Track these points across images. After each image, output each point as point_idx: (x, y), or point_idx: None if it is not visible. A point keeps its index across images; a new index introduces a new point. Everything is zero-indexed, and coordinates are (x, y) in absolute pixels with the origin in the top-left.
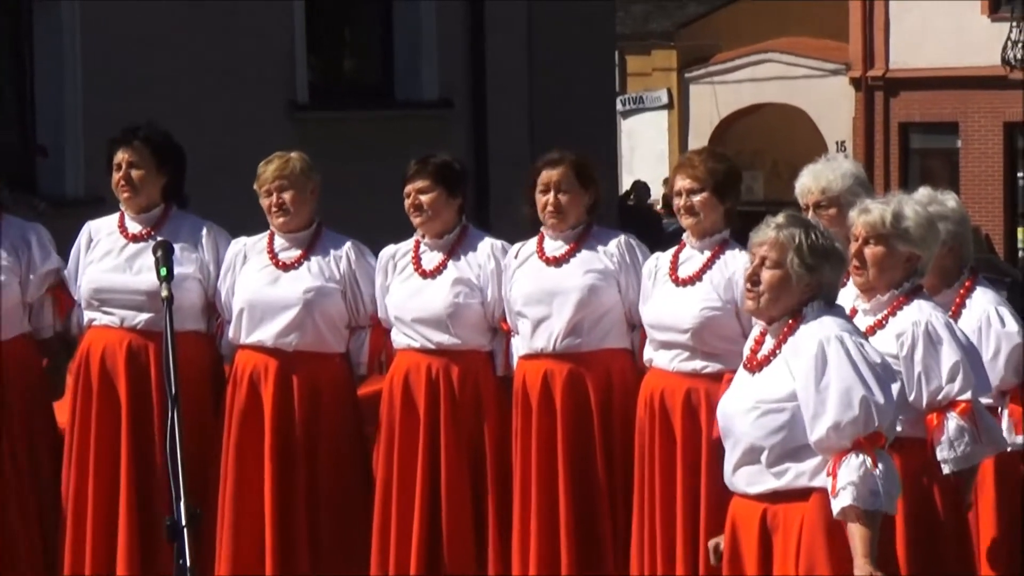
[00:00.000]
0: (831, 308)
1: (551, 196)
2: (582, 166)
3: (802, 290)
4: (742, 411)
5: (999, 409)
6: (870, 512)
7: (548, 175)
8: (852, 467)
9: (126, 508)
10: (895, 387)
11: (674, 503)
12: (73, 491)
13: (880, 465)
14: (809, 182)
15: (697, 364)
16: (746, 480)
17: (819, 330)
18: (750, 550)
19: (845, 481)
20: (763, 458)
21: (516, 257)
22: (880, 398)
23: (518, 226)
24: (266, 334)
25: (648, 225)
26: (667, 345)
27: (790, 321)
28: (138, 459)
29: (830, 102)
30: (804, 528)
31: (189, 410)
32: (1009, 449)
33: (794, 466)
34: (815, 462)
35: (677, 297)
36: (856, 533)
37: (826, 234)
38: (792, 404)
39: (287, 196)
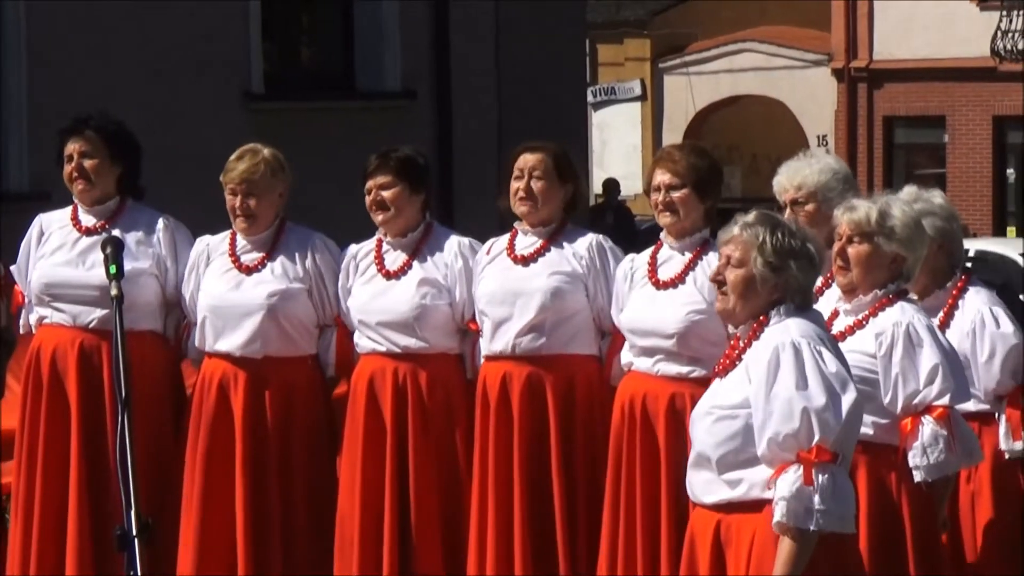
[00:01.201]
0: (803, 312)
1: (523, 183)
2: (562, 157)
3: (768, 291)
4: (699, 416)
5: (996, 414)
6: (801, 530)
7: (525, 160)
8: (787, 481)
9: (76, 512)
10: (847, 399)
11: (658, 510)
12: (23, 494)
13: (819, 481)
14: (784, 179)
15: (683, 368)
16: (701, 488)
17: (778, 335)
18: (704, 563)
19: (778, 495)
20: (714, 466)
21: (488, 254)
22: (825, 410)
23: (484, 221)
24: (231, 344)
25: (619, 223)
26: (649, 351)
27: (754, 324)
28: (90, 463)
29: (811, 94)
30: (755, 541)
31: (145, 413)
32: (1007, 456)
33: (747, 476)
34: (768, 473)
35: (659, 301)
36: (781, 550)
37: (797, 234)
38: (745, 411)
39: (251, 202)
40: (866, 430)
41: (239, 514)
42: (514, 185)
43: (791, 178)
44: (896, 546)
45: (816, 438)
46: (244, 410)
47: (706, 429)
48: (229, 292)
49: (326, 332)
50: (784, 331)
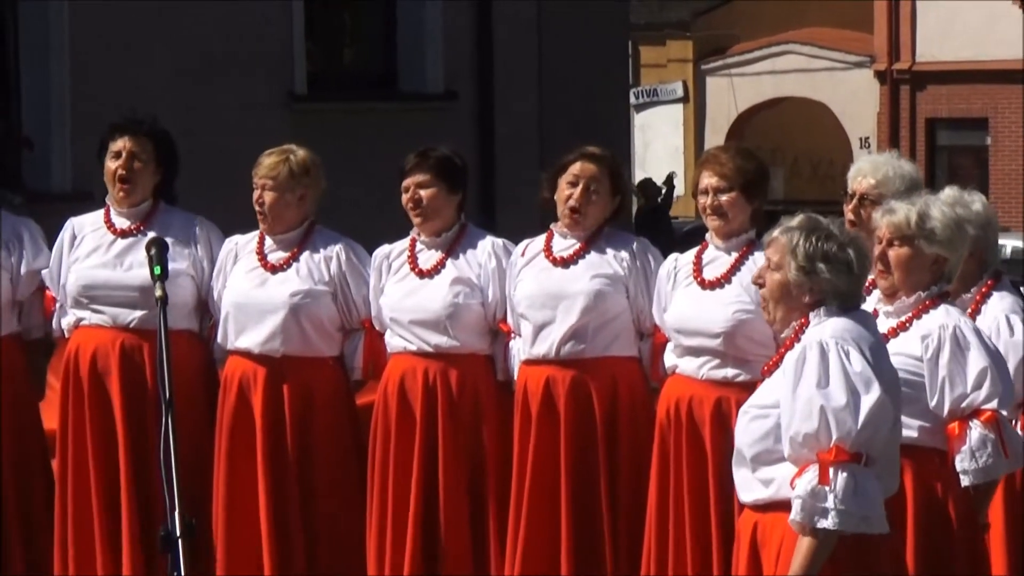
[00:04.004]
0: (848, 312)
1: (578, 191)
2: (618, 170)
3: (803, 294)
4: (740, 415)
5: (1012, 422)
6: (816, 529)
7: (584, 168)
8: (804, 480)
9: (126, 513)
10: (869, 399)
11: (708, 514)
12: (72, 497)
13: (837, 481)
14: (867, 168)
15: (728, 372)
16: (740, 486)
17: (812, 335)
18: (743, 564)
19: (795, 494)
20: (749, 464)
21: (523, 255)
22: (843, 410)
23: (525, 222)
24: (252, 340)
25: (657, 225)
26: (695, 351)
27: (796, 327)
28: (136, 463)
29: (853, 96)
30: (784, 541)
31: (183, 413)
32: None
33: (778, 476)
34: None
35: (705, 300)
36: (798, 548)
37: (835, 238)
38: (776, 411)
39: (268, 198)
40: (911, 433)
41: (263, 516)
42: (567, 191)
43: (875, 170)
44: (943, 550)
45: (834, 437)
46: (263, 408)
47: (743, 427)
48: (253, 289)
49: (354, 336)
50: (819, 332)
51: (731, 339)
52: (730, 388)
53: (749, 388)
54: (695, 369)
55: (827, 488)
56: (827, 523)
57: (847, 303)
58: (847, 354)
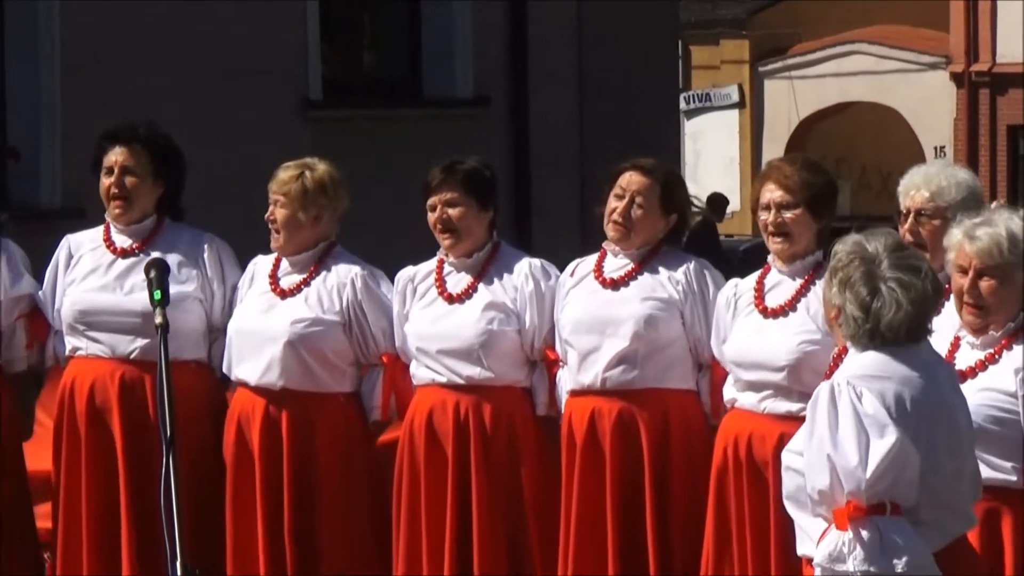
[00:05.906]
0: (887, 347)
1: (622, 204)
2: (672, 186)
3: (829, 305)
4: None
5: None
6: None
7: (630, 179)
8: (823, 546)
9: (127, 556)
10: (882, 444)
11: (768, 562)
12: (61, 538)
13: (856, 542)
14: (919, 181)
15: (793, 406)
16: (797, 537)
17: (836, 374)
18: None
19: (816, 562)
20: (793, 516)
21: (572, 275)
22: (852, 462)
23: (563, 241)
24: (250, 372)
25: (706, 244)
26: (756, 386)
27: (834, 356)
28: (139, 509)
29: (927, 101)
30: None
31: (190, 451)
32: None
33: (815, 529)
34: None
35: (767, 330)
36: None
37: (869, 271)
38: (803, 461)
39: (279, 214)
40: (1007, 476)
41: (260, 554)
42: (612, 204)
43: (928, 183)
44: None
45: (846, 492)
46: (260, 446)
47: (782, 475)
48: (258, 315)
49: (372, 372)
50: (842, 369)
51: (796, 373)
52: (795, 423)
53: None
54: (755, 403)
55: (846, 551)
56: None
57: (861, 337)
58: (860, 396)
